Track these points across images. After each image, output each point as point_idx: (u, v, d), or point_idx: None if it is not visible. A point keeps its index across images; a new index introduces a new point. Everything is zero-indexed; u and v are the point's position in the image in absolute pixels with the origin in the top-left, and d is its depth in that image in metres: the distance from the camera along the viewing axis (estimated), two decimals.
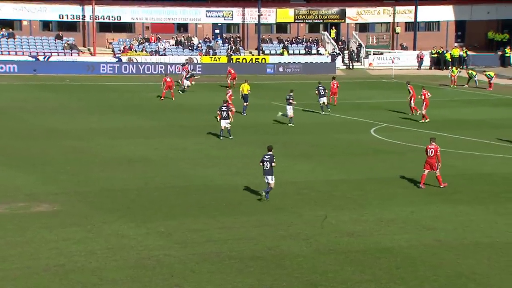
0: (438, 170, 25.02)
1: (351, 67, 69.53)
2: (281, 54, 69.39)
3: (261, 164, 23.26)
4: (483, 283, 16.66)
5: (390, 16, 75.04)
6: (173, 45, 69.05)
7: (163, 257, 17.88)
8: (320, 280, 16.61)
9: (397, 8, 74.84)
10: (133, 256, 17.98)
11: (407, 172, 27.49)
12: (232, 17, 72.32)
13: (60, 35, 67.60)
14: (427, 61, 70.35)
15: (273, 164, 22.91)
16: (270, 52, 69.93)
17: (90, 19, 67.99)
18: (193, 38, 70.21)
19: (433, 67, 70.17)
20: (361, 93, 52.57)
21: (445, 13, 75.59)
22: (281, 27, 74.11)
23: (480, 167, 29.03)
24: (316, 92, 41.89)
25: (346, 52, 71.12)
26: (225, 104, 33.76)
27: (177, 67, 61.41)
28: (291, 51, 70.14)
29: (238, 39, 71.59)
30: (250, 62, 66.45)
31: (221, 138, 33.57)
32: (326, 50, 71.33)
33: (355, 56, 70.49)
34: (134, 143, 32.77)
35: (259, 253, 18.32)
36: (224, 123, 33.51)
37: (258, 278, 16.68)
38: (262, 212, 21.98)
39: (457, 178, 26.26)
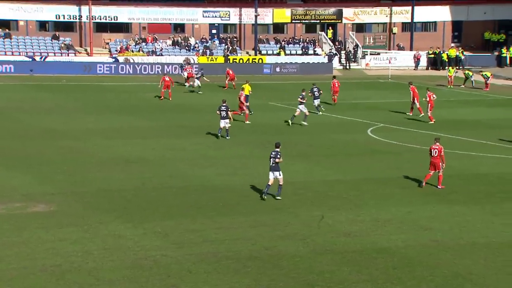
0: (441, 170, 25.10)
1: (348, 67, 69.60)
2: (278, 54, 69.45)
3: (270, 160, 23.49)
4: (479, 283, 16.69)
5: (387, 16, 75.14)
6: (170, 45, 69.04)
7: (160, 258, 17.87)
8: (317, 280, 16.62)
9: (394, 8, 74.95)
10: (130, 256, 17.98)
11: (403, 172, 27.53)
12: (229, 17, 72.35)
13: (57, 35, 67.54)
14: (423, 62, 70.45)
15: (277, 160, 23.04)
16: (267, 52, 69.96)
17: (87, 19, 67.96)
18: (190, 39, 70.21)
19: (429, 68, 70.30)
20: (358, 94, 52.60)
21: (442, 14, 75.73)
22: (278, 27, 74.16)
23: (476, 167, 29.08)
24: (310, 94, 41.95)
25: (343, 52, 71.20)
26: (224, 104, 33.81)
27: (174, 67, 61.46)
28: (288, 52, 70.19)
29: (235, 39, 71.62)
30: (247, 62, 66.50)
31: (219, 136, 33.62)
32: (323, 50, 71.39)
33: (352, 57, 70.55)
34: (131, 143, 32.76)
35: (256, 253, 18.33)
36: (223, 123, 33.56)
37: (255, 278, 16.69)
38: (259, 212, 21.99)
39: (454, 179, 26.29)
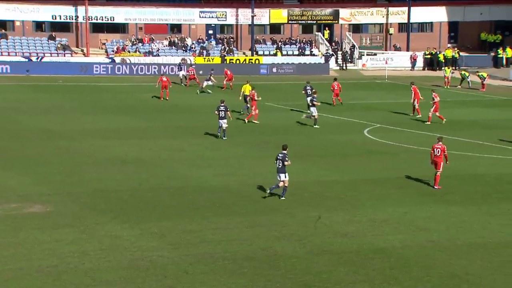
0: (441, 169, 25.13)
1: (344, 68, 69.63)
2: (275, 54, 69.45)
3: (275, 162, 23.59)
4: (476, 283, 16.70)
5: (383, 17, 75.19)
6: (166, 46, 68.99)
7: (157, 258, 17.86)
8: (314, 281, 16.62)
9: (390, 9, 75.00)
10: (126, 257, 17.95)
11: (400, 172, 27.55)
12: (226, 17, 72.33)
13: (53, 35, 67.45)
14: (420, 62, 70.51)
15: (285, 162, 23.21)
16: (263, 53, 69.96)
17: (83, 19, 67.88)
18: (186, 39, 70.16)
19: (426, 68, 70.35)
20: (354, 94, 52.60)
21: (438, 14, 75.79)
22: (275, 28, 74.15)
23: (473, 167, 29.11)
24: (303, 91, 42.17)
25: (339, 53, 71.22)
26: (222, 104, 33.85)
27: (171, 68, 61.42)
28: (284, 52, 70.19)
29: (231, 39, 71.59)
30: (244, 63, 66.48)
31: (220, 136, 33.65)
32: (319, 51, 71.40)
33: (348, 57, 70.58)
34: (127, 144, 32.73)
35: (253, 254, 18.32)
36: (222, 123, 33.58)
37: (251, 279, 16.68)
38: (255, 213, 21.98)
39: (450, 179, 26.30)
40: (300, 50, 70.29)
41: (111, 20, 69.77)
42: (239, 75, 55.27)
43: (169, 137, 34.71)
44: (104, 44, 69.01)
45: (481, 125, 40.14)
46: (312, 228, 20.50)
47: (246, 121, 38.79)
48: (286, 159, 23.33)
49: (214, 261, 17.74)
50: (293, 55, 69.99)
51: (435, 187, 25.21)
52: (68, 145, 32.22)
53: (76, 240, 19.03)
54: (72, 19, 68.84)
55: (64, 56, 64.97)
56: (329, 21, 73.98)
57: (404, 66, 70.04)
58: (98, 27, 69.80)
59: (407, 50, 72.61)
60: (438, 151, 25.28)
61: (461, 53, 70.30)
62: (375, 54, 71.80)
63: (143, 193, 24.25)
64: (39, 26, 69.30)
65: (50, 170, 27.26)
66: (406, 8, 73.39)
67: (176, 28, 72.12)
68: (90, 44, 66.96)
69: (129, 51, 66.28)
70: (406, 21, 73.84)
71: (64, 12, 68.56)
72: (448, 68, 60.61)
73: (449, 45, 74.87)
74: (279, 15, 73.00)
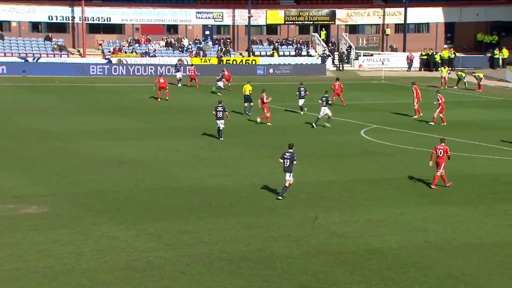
0: (441, 170, 25.15)
1: (341, 68, 69.66)
2: (271, 55, 69.48)
3: (281, 160, 23.57)
4: (472, 284, 16.72)
5: (380, 17, 75.25)
6: (163, 46, 68.95)
7: (153, 259, 17.84)
8: (311, 281, 16.62)
9: (387, 9, 75.08)
10: (123, 258, 17.93)
11: (397, 173, 27.57)
12: (222, 18, 72.32)
13: (50, 36, 67.36)
14: (416, 63, 70.57)
15: (294, 162, 23.24)
16: (260, 53, 69.97)
17: (80, 20, 67.80)
18: (183, 40, 70.13)
19: (422, 69, 70.42)
20: (351, 95, 52.55)
21: (435, 15, 75.88)
22: (271, 29, 74.18)
23: (469, 168, 29.13)
24: (297, 92, 42.31)
25: (336, 53, 71.27)
26: (220, 105, 33.83)
27: (167, 68, 61.37)
28: (281, 53, 70.22)
29: (228, 40, 71.59)
30: (241, 63, 66.46)
31: (220, 138, 33.64)
32: (316, 51, 71.44)
33: (345, 58, 70.63)
34: (124, 144, 32.69)
35: (250, 254, 18.31)
36: (219, 124, 33.56)
37: (248, 280, 16.67)
38: (252, 213, 21.97)
39: (447, 180, 26.31)
40: (296, 51, 70.33)
41: (107, 20, 69.71)
42: (236, 76, 55.24)
43: (166, 138, 34.68)
44: (100, 44, 68.93)
45: (478, 126, 40.19)
46: (309, 229, 20.50)
47: (259, 120, 38.75)
48: (295, 158, 23.32)
49: (211, 261, 17.73)
50: (289, 55, 70.01)
51: (432, 186, 25.24)
52: (65, 145, 32.18)
53: (72, 241, 19.01)
54: (69, 19, 68.76)
55: (61, 56, 64.90)
56: (326, 22, 74.01)
57: (400, 66, 70.10)
58: (95, 28, 69.74)
59: (404, 50, 72.68)
60: (441, 152, 25.31)
61: (457, 54, 70.36)
62: (371, 55, 71.86)
63: (140, 193, 24.23)
64: (35, 26, 69.21)
65: (47, 171, 27.22)
66: (402, 9, 73.46)
67: (172, 28, 72.11)
68: (87, 44, 66.88)
69: (125, 52, 66.24)
70: (402, 21, 73.89)
71: (60, 13, 68.48)
72: (445, 68, 60.68)
73: (445, 45, 74.98)
74: (276, 15, 73.02)
